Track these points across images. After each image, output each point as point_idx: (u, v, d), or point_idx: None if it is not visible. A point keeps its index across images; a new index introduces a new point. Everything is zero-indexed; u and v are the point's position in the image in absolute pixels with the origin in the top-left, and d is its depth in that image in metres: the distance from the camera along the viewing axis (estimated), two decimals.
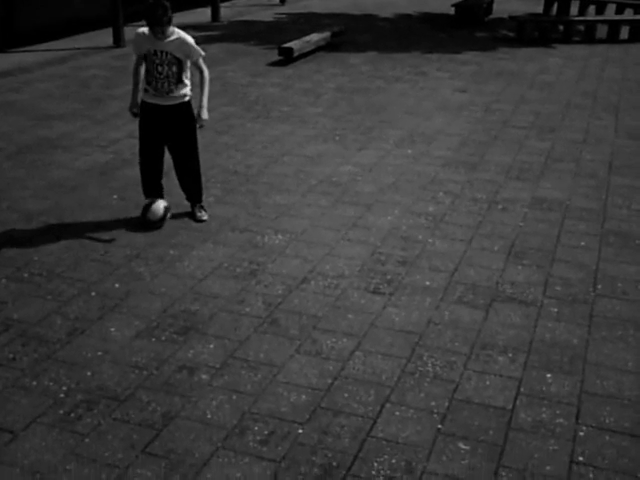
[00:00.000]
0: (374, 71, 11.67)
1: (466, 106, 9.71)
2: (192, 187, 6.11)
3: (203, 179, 6.94)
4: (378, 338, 4.48)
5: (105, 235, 5.75)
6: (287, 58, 12.21)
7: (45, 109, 9.23)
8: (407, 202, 6.52)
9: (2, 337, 4.42)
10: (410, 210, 6.35)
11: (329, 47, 13.51)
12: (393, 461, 3.50)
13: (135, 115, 5.80)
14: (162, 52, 5.54)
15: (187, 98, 5.76)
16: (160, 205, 5.86)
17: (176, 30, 5.58)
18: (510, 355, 4.33)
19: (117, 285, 5.03)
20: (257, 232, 5.88)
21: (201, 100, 5.69)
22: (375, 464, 3.48)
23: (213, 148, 7.86)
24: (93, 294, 4.91)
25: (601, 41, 14.56)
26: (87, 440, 3.59)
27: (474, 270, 5.32)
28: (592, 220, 6.19)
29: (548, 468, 3.47)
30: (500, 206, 6.46)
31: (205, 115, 5.69)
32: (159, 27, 5.40)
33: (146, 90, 5.71)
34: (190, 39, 5.59)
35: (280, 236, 5.81)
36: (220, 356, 4.27)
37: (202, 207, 6.15)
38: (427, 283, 5.13)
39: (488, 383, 4.08)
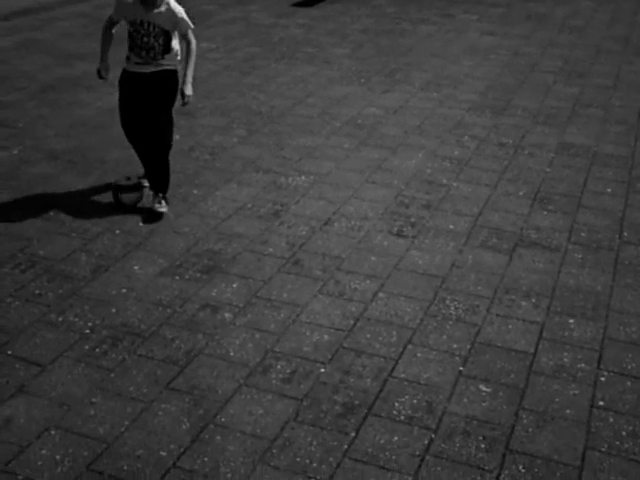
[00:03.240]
0: (400, 13, 11.49)
1: (493, 49, 9.55)
2: (155, 172, 5.22)
3: (227, 120, 6.91)
4: (401, 280, 4.48)
5: (129, 174, 5.76)
6: None
7: (67, 48, 9.18)
8: (432, 145, 6.46)
9: (28, 273, 4.46)
10: (435, 153, 6.30)
11: None
12: (414, 401, 3.53)
13: (101, 77, 5.16)
14: (149, 24, 4.93)
15: (173, 67, 5.12)
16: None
17: None
18: (533, 300, 4.32)
19: (141, 224, 5.05)
20: (281, 173, 5.86)
21: (185, 74, 5.06)
22: (396, 404, 3.51)
23: (237, 89, 7.80)
24: (117, 232, 4.94)
25: None
26: (112, 375, 3.65)
27: (498, 215, 5.28)
28: (619, 167, 6.12)
29: (568, 412, 3.49)
30: (526, 151, 6.39)
31: (189, 90, 5.07)
32: (149, 3, 4.88)
33: (128, 58, 5.09)
34: (179, 9, 4.98)
35: (304, 177, 5.79)
36: (243, 295, 4.30)
37: (164, 198, 5.25)
38: (451, 227, 5.11)
39: (510, 327, 4.08)
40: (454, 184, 5.75)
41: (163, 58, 5.02)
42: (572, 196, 5.59)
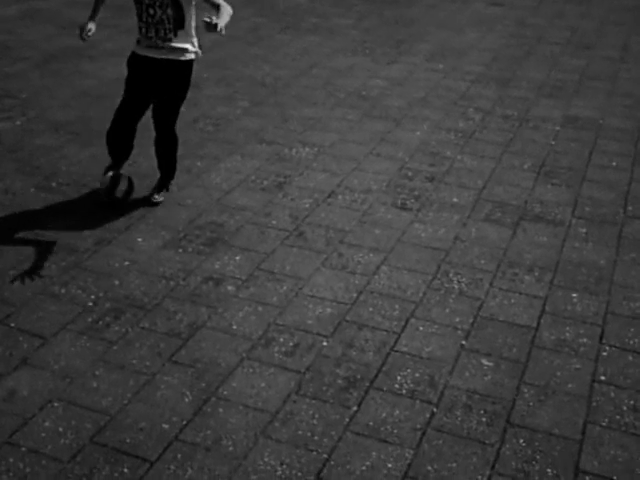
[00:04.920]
0: None
1: (500, 20, 9.46)
2: (164, 167, 4.97)
3: (231, 90, 6.87)
4: (404, 253, 4.48)
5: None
6: None
7: (71, 17, 9.11)
8: (436, 117, 6.42)
9: (31, 245, 4.46)
10: (439, 126, 6.26)
11: None
12: (416, 375, 3.54)
13: (82, 37, 4.39)
14: None
15: (191, 56, 4.53)
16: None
17: None
18: (536, 274, 4.32)
19: (144, 195, 5.04)
20: (285, 145, 5.84)
21: (219, 14, 4.19)
22: (398, 377, 3.52)
23: (241, 59, 7.75)
24: None
25: None
26: (115, 347, 3.66)
27: (503, 188, 5.26)
28: (625, 140, 6.08)
29: (570, 386, 3.50)
30: (531, 124, 6.35)
31: (221, 22, 4.07)
32: None
33: (138, 41, 4.54)
34: None
35: (308, 149, 5.77)
36: (246, 268, 4.30)
37: (165, 188, 5.02)
38: (455, 200, 5.09)
39: (513, 301, 4.08)
40: (458, 157, 5.72)
41: (176, 36, 4.41)
42: (577, 170, 5.56)
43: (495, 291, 4.16)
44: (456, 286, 4.19)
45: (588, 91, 7.11)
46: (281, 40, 8.43)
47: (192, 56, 4.54)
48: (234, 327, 3.82)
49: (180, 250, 4.46)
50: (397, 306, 4.01)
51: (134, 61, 4.61)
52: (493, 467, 3.07)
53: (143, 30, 4.46)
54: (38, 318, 3.84)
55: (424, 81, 7.28)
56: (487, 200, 5.10)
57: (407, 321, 3.90)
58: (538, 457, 3.12)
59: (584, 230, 4.78)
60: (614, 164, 5.66)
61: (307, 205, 4.98)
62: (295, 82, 7.17)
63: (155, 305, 3.97)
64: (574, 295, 4.15)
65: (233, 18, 9.19)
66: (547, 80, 7.38)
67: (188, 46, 4.50)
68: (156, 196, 4.96)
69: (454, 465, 3.07)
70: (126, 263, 4.31)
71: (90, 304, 3.96)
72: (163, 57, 4.49)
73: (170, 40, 4.44)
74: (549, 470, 3.06)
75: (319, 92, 6.94)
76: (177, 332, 3.77)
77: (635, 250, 4.57)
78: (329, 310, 3.97)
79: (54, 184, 5.16)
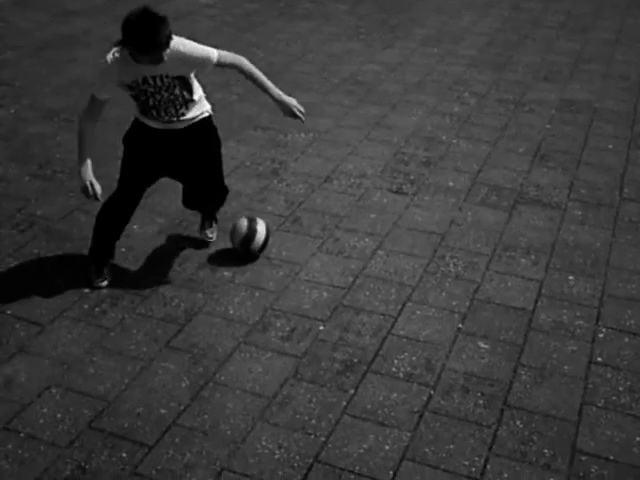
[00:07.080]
0: None
1: (495, 4, 9.43)
2: (213, 208, 4.40)
3: (225, 77, 6.84)
4: (400, 238, 4.48)
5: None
6: None
7: (64, 4, 9.06)
8: (432, 102, 6.41)
9: (27, 233, 4.46)
10: (435, 110, 6.25)
11: None
12: (413, 358, 3.54)
13: (87, 194, 3.82)
14: (154, 78, 3.68)
15: (206, 114, 4.00)
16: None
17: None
18: (532, 257, 4.32)
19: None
20: (280, 130, 5.82)
21: (268, 90, 3.99)
22: (395, 361, 3.52)
23: (236, 45, 7.72)
24: None
25: None
26: (112, 334, 3.66)
27: (498, 172, 5.26)
28: (621, 123, 6.07)
29: (566, 368, 3.50)
30: (527, 107, 6.34)
31: (286, 98, 3.98)
32: (154, 55, 3.50)
33: (149, 117, 3.88)
34: (189, 47, 3.71)
35: (303, 135, 5.76)
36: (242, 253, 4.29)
37: (215, 222, 4.46)
38: (451, 184, 5.09)
39: (510, 284, 4.08)
40: (454, 141, 5.71)
41: (188, 110, 3.87)
42: (572, 153, 5.56)
43: (491, 274, 4.16)
44: (452, 270, 4.19)
45: (584, 74, 7.10)
46: (275, 26, 8.39)
47: (208, 113, 4.02)
48: (231, 312, 3.82)
49: (176, 236, 4.45)
50: (393, 290, 4.01)
51: (146, 132, 3.91)
52: (490, 448, 3.08)
53: (149, 114, 3.84)
54: (35, 306, 3.84)
55: (419, 66, 7.26)
56: (483, 184, 5.10)
57: (404, 305, 3.90)
58: (535, 438, 3.13)
59: (580, 213, 4.78)
60: (610, 147, 5.66)
61: (302, 190, 4.98)
62: (290, 68, 7.15)
63: (151, 291, 3.97)
64: (570, 277, 4.15)
65: (227, 5, 9.15)
66: (542, 64, 7.36)
67: (201, 107, 3.98)
68: (209, 232, 4.39)
69: (451, 447, 3.08)
70: (122, 250, 4.30)
71: (86, 291, 3.96)
72: (181, 127, 3.89)
73: (184, 115, 3.87)
74: (546, 451, 3.07)
75: (314, 78, 6.92)
76: (174, 318, 3.77)
77: (631, 232, 4.58)
78: (325, 294, 3.97)
79: (49, 172, 5.14)
